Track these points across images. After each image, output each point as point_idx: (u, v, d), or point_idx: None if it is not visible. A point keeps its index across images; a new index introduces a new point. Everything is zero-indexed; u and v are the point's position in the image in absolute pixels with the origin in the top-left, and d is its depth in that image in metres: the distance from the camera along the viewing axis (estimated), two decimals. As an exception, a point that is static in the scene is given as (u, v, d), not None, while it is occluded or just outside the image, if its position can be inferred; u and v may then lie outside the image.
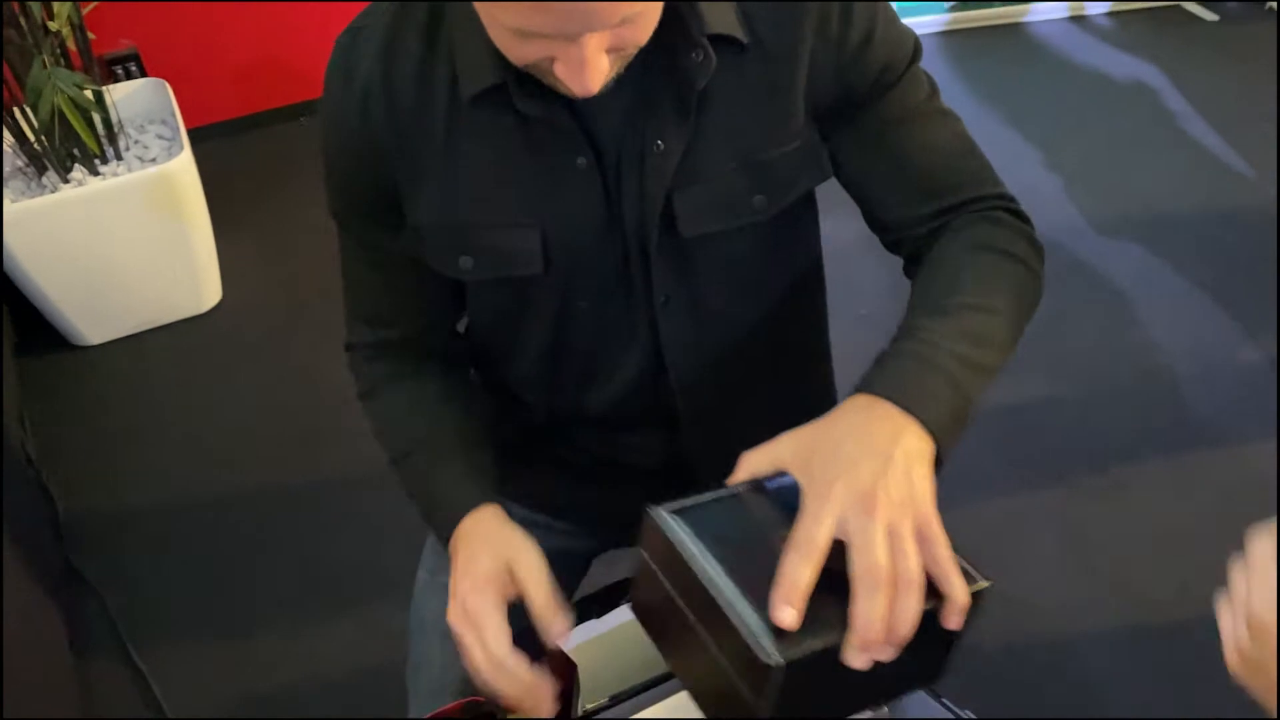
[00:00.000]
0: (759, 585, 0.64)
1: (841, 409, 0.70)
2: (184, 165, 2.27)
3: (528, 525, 1.03)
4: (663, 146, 0.81)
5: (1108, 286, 2.44)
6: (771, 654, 0.60)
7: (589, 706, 0.81)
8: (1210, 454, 2.03)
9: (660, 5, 0.71)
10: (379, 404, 0.98)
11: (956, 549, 0.66)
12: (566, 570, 1.16)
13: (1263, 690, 0.61)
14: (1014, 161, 2.83)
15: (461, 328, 1.02)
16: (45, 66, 2.04)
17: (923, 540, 0.64)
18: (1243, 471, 1.98)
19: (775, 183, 0.85)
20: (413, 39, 0.80)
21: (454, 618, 0.83)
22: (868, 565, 0.61)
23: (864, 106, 0.84)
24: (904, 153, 0.85)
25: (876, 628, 0.61)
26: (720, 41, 0.78)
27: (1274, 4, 3.50)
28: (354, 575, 1.88)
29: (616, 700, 0.81)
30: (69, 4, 2.06)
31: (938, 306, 0.77)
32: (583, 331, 0.91)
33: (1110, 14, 3.52)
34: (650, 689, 0.81)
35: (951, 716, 0.85)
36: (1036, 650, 1.70)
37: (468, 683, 1.01)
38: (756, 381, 0.98)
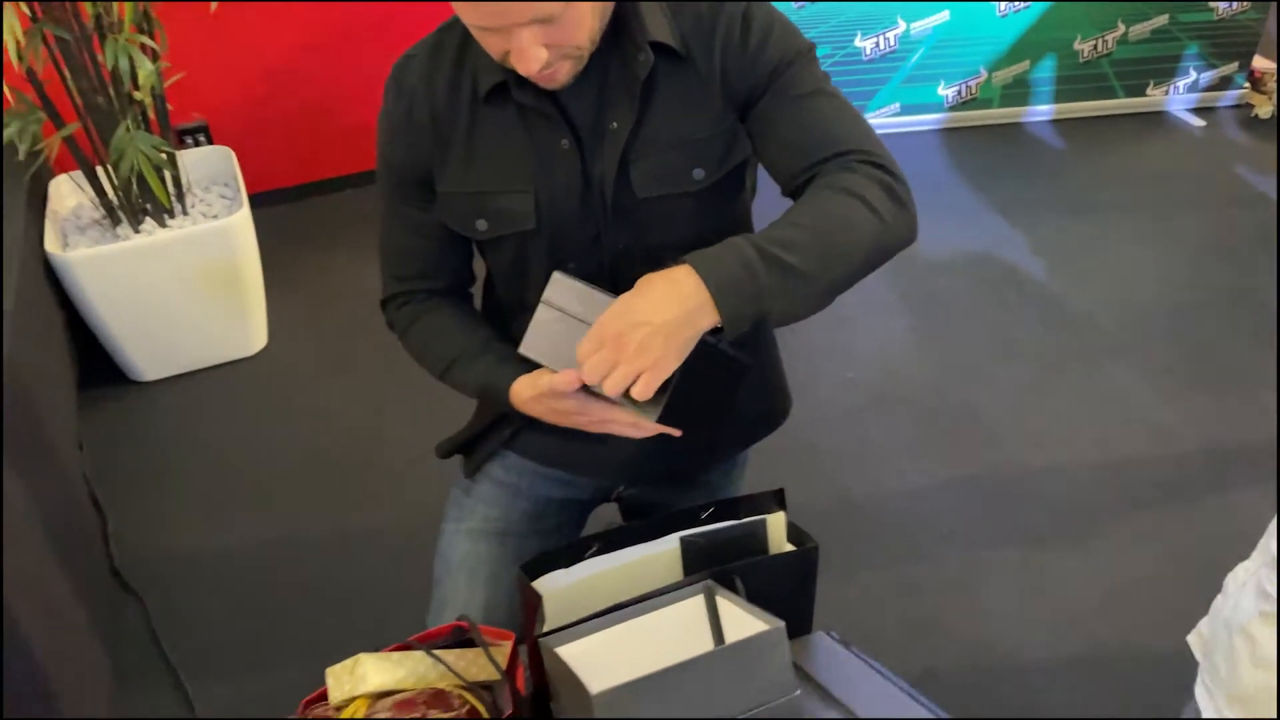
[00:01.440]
0: None
1: (652, 281, 0.95)
2: (242, 221, 2.53)
3: (532, 477, 1.29)
4: (616, 126, 1.08)
5: (1078, 360, 2.62)
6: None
7: (549, 623, 0.99)
8: (1164, 512, 2.18)
9: (587, 12, 0.99)
10: (417, 334, 1.26)
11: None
12: (568, 518, 1.39)
13: None
14: (1001, 244, 3.04)
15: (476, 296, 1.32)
16: (128, 130, 2.32)
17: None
18: (1195, 527, 2.13)
19: (709, 159, 1.11)
20: (447, 59, 1.12)
21: (554, 417, 1.10)
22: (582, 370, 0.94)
23: (766, 92, 1.09)
24: (795, 124, 1.08)
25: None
26: (658, 48, 1.06)
27: (1259, 112, 3.73)
28: (384, 608, 2.02)
29: (573, 625, 0.99)
30: (153, 73, 2.34)
31: (768, 226, 1.00)
32: None
33: (1094, 117, 3.75)
34: (597, 618, 0.99)
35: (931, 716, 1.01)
36: (1001, 687, 1.83)
37: (486, 615, 1.23)
38: None
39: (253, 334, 2.72)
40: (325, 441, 2.46)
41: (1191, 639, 1.11)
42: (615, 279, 1.16)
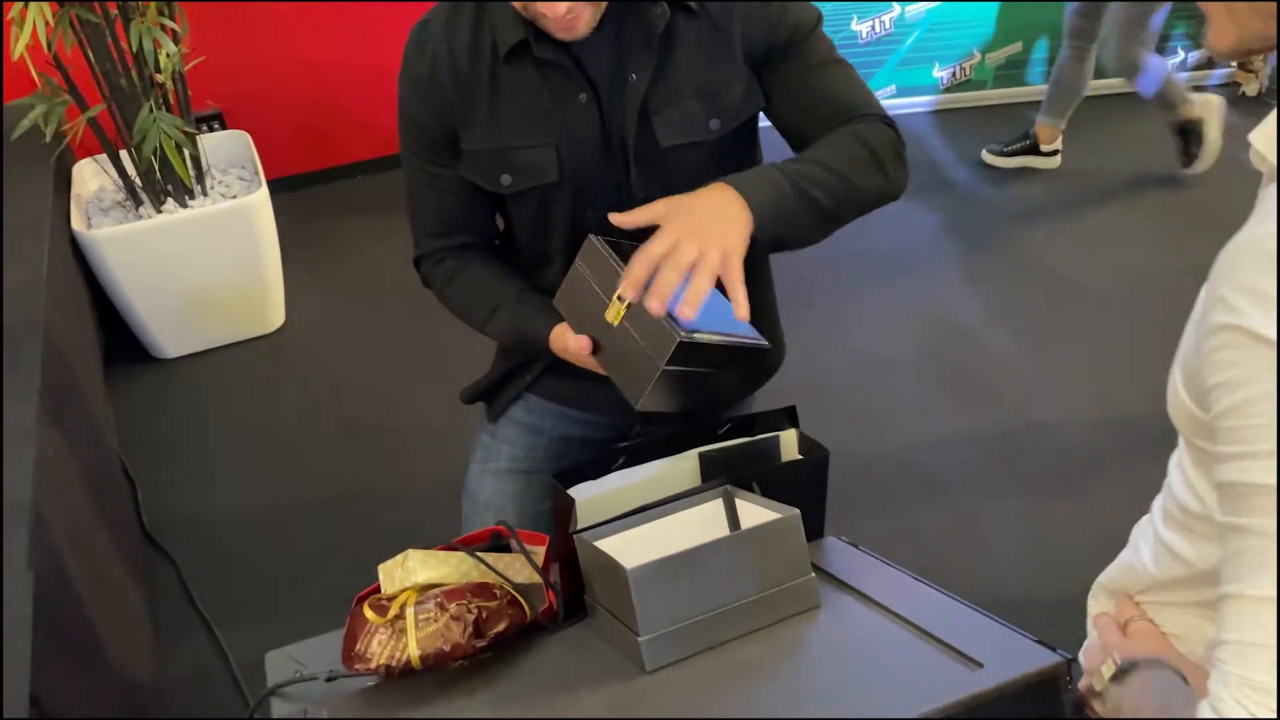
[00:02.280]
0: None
1: (701, 190, 1.06)
2: (261, 201, 2.61)
3: (554, 418, 1.36)
4: (635, 78, 1.15)
5: (1072, 323, 2.70)
6: (678, 332, 0.99)
7: (580, 526, 1.07)
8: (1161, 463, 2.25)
9: None
10: (457, 289, 1.31)
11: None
12: (588, 456, 1.47)
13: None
14: (995, 218, 3.13)
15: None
16: (151, 111, 2.40)
17: (723, 264, 0.99)
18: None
19: (724, 109, 1.19)
20: (465, 21, 1.18)
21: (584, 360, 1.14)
22: (645, 249, 1.01)
23: (785, 56, 1.18)
24: (814, 89, 1.19)
25: (639, 281, 1.00)
26: (674, 3, 1.13)
27: (1246, 90, 3.81)
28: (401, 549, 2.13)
29: (603, 523, 1.07)
30: (175, 57, 2.42)
31: (793, 159, 1.13)
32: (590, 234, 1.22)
33: (1088, 96, 3.83)
34: (623, 519, 1.08)
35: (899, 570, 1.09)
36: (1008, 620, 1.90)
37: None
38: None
39: (271, 311, 2.80)
40: (345, 410, 2.54)
41: (1091, 602, 1.07)
42: (639, 234, 1.23)
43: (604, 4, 1.11)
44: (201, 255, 2.59)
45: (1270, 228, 0.64)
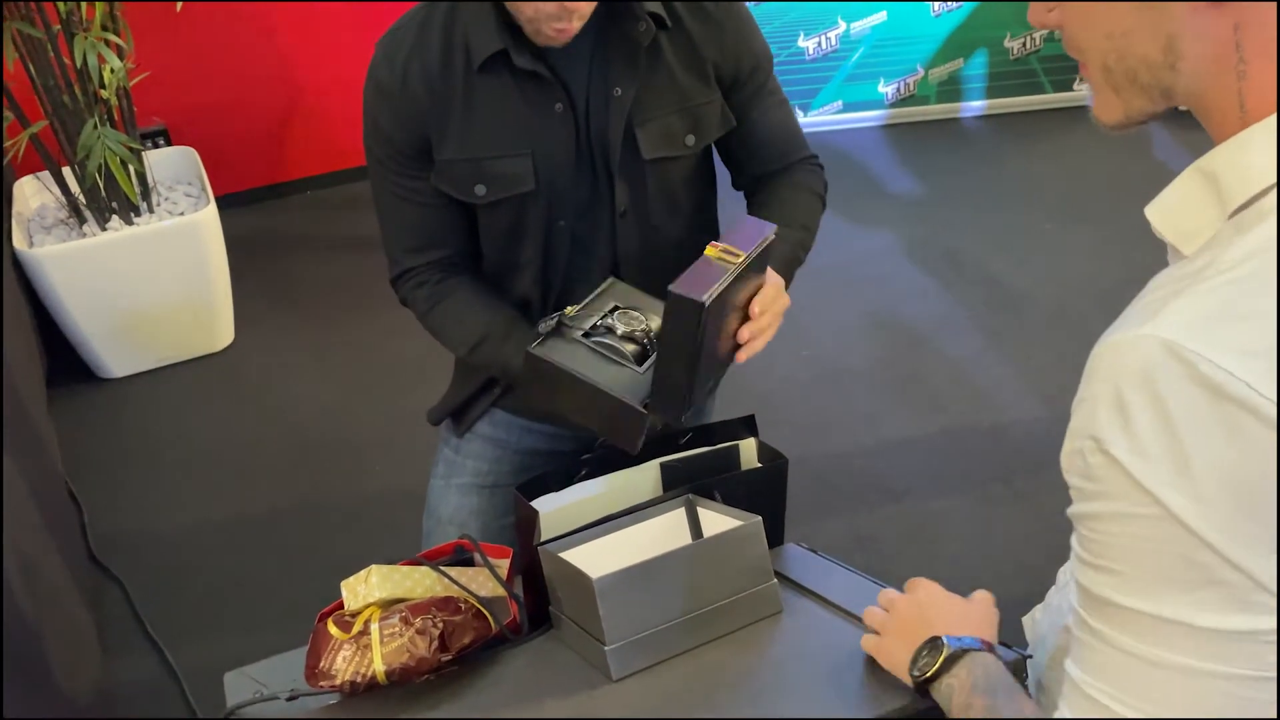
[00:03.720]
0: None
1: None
2: (208, 217, 2.58)
3: (520, 432, 1.37)
4: (620, 92, 1.17)
5: (1019, 333, 2.76)
6: (636, 404, 1.04)
7: (544, 538, 1.07)
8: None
9: None
10: (441, 315, 1.29)
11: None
12: (553, 469, 1.48)
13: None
14: (943, 229, 3.19)
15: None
16: (96, 128, 2.37)
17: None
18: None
19: (701, 127, 1.23)
20: (435, 34, 1.18)
21: None
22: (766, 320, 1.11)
23: (744, 86, 1.24)
24: (765, 124, 1.27)
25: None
26: (657, 20, 1.15)
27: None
28: (353, 568, 2.09)
29: (567, 535, 1.08)
30: (120, 73, 2.39)
31: (792, 228, 1.22)
32: (564, 244, 1.25)
33: (1027, 111, 3.93)
34: (588, 529, 1.08)
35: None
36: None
37: None
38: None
39: (220, 329, 2.76)
40: (297, 428, 2.51)
41: (1026, 621, 1.07)
42: (614, 240, 1.25)
43: (586, 15, 1.12)
44: (148, 273, 2.55)
45: (1152, 328, 0.60)
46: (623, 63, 1.17)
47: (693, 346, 0.98)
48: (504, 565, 1.11)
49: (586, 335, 1.11)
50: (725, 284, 0.98)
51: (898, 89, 3.82)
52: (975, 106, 3.90)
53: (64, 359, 2.64)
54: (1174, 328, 0.59)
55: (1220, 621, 0.59)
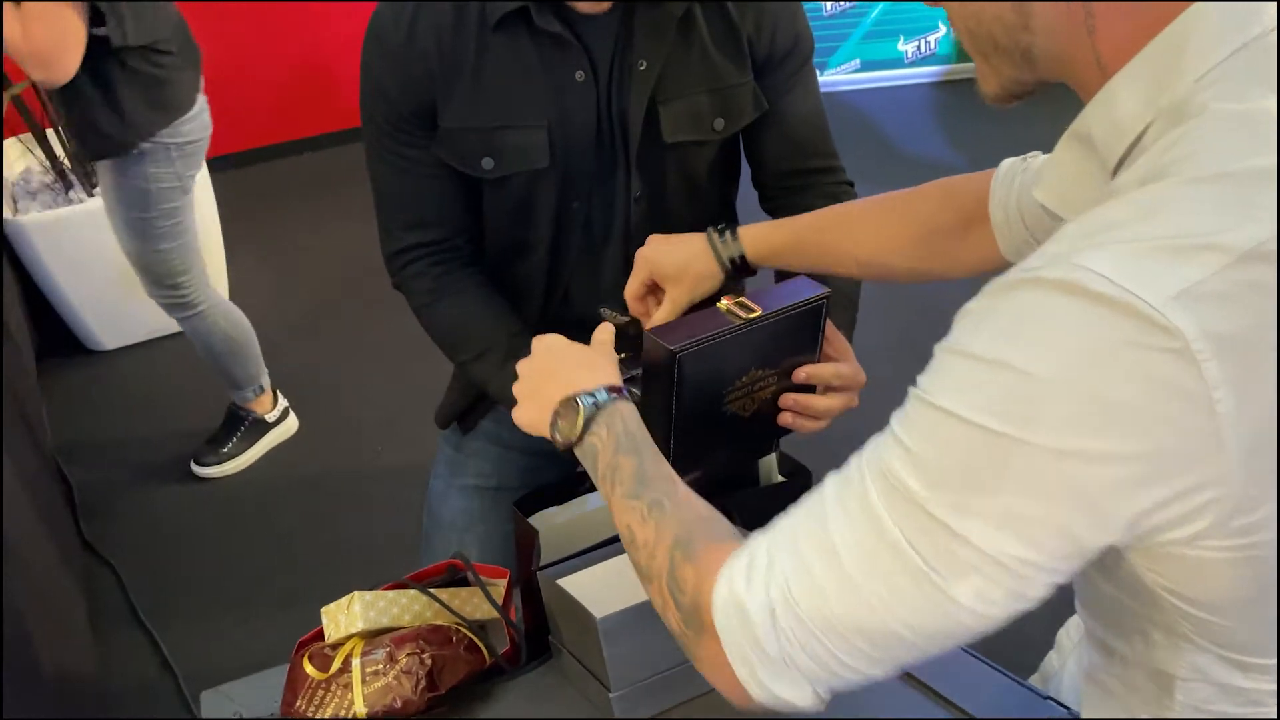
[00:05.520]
0: None
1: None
2: (199, 180, 2.47)
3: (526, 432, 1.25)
4: (645, 65, 1.05)
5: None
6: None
7: (545, 559, 0.98)
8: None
9: None
10: (442, 315, 1.17)
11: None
12: (561, 472, 1.37)
13: None
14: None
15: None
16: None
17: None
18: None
19: (731, 110, 1.10)
20: None
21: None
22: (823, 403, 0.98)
23: (778, 69, 1.11)
24: (794, 117, 1.13)
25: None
26: None
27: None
28: (351, 551, 2.04)
29: (569, 558, 0.99)
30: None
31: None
32: (575, 228, 1.14)
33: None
34: (593, 551, 0.99)
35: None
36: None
37: None
38: None
39: (215, 299, 2.66)
40: (296, 401, 2.43)
41: (1061, 636, 1.01)
42: (628, 227, 1.14)
43: None
44: (138, 241, 2.45)
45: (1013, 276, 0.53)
46: (651, 33, 1.05)
47: (665, 400, 0.86)
48: (501, 585, 1.02)
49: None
50: (717, 340, 0.85)
51: (918, 47, 3.68)
52: (999, 66, 3.75)
53: (53, 331, 2.55)
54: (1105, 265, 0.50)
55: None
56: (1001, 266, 0.89)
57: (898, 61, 3.69)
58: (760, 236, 1.01)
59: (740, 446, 1.02)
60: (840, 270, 1.01)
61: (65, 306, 2.47)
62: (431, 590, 0.99)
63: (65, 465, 2.25)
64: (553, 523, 1.05)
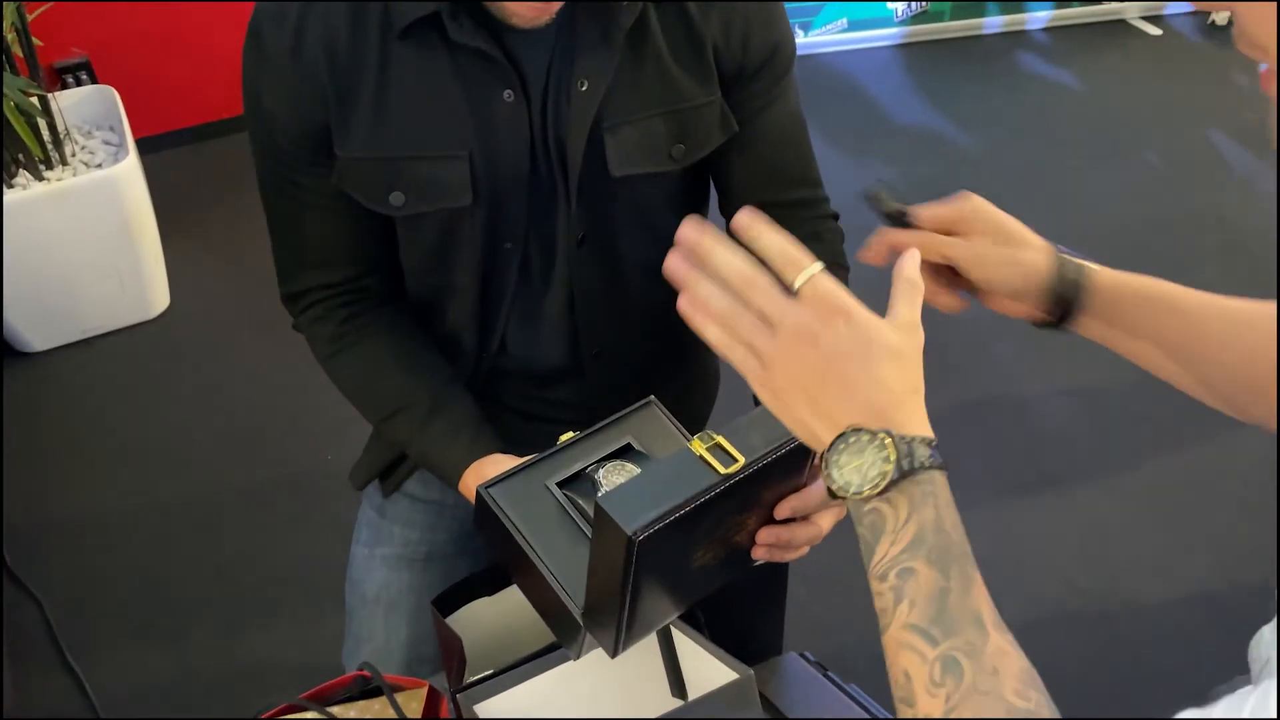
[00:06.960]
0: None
1: None
2: (130, 170, 2.27)
3: (458, 492, 1.08)
4: (586, 86, 0.86)
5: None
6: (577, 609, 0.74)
7: (471, 679, 0.82)
8: (1137, 457, 2.07)
9: None
10: (348, 367, 1.00)
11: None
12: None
13: None
14: (959, 166, 2.88)
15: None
16: (-11, 73, 2.04)
17: None
18: (1166, 473, 2.03)
19: (693, 134, 0.91)
20: None
21: None
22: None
23: (751, 81, 0.92)
24: (772, 139, 0.94)
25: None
26: None
27: (1215, 18, 3.58)
28: (293, 575, 1.89)
29: (499, 673, 0.82)
30: (13, 8, 2.06)
31: None
32: (507, 272, 0.95)
33: (1053, 28, 3.58)
34: (531, 662, 0.83)
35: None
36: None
37: (411, 652, 1.05)
38: (650, 329, 1.04)
39: (153, 294, 2.47)
40: (240, 409, 2.26)
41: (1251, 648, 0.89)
42: (571, 274, 0.96)
43: None
44: (65, 234, 2.25)
45: None
46: (593, 46, 0.85)
47: (621, 582, 0.67)
48: (421, 695, 0.86)
49: (562, 485, 0.81)
50: (688, 508, 0.64)
51: (909, 5, 3.47)
52: (995, 22, 3.54)
53: (-23, 332, 2.36)
54: None
55: None
56: None
57: (887, 20, 3.48)
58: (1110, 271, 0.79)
59: (703, 591, 0.82)
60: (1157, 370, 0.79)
61: (-12, 306, 2.28)
62: (334, 711, 0.83)
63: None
64: (483, 620, 0.88)
